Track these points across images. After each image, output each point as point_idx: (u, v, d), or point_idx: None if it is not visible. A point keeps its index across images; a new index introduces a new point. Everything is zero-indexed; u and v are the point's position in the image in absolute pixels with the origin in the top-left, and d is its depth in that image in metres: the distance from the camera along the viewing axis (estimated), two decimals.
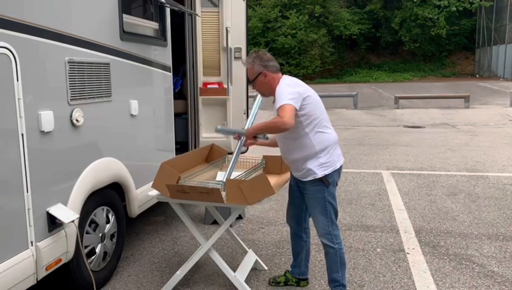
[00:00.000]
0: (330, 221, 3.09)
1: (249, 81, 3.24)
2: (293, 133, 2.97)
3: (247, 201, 2.90)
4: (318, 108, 3.03)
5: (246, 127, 3.16)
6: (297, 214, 3.34)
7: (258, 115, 3.38)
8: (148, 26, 4.08)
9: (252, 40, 29.97)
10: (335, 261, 3.15)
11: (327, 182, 3.02)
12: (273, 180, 3.16)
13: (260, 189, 2.88)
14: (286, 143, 3.09)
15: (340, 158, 3.11)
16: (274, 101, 2.96)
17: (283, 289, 3.43)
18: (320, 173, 2.99)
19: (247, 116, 5.51)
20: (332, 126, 3.14)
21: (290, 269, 3.51)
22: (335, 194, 3.12)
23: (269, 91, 3.08)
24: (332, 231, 3.10)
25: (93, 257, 3.34)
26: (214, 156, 3.76)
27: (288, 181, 3.39)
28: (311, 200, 3.10)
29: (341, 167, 3.12)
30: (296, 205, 3.32)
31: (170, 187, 3.00)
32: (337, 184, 3.13)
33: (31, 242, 2.68)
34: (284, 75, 3.13)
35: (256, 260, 3.65)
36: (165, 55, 4.33)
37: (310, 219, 3.29)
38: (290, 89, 2.92)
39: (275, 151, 3.31)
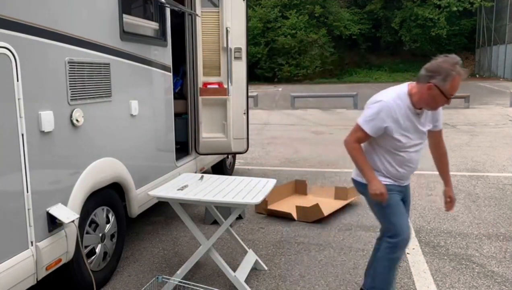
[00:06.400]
0: None
1: None
2: None
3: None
4: None
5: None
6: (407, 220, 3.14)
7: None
8: (148, 26, 4.08)
9: (252, 40, 29.95)
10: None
11: None
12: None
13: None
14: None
15: None
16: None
17: None
18: None
19: (247, 116, 5.51)
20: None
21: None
22: None
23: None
24: None
25: (93, 257, 3.34)
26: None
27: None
28: (410, 198, 3.24)
29: None
30: (404, 212, 3.13)
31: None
32: None
33: (31, 242, 2.68)
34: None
35: (256, 260, 3.65)
36: (165, 55, 4.33)
37: None
38: None
39: None
